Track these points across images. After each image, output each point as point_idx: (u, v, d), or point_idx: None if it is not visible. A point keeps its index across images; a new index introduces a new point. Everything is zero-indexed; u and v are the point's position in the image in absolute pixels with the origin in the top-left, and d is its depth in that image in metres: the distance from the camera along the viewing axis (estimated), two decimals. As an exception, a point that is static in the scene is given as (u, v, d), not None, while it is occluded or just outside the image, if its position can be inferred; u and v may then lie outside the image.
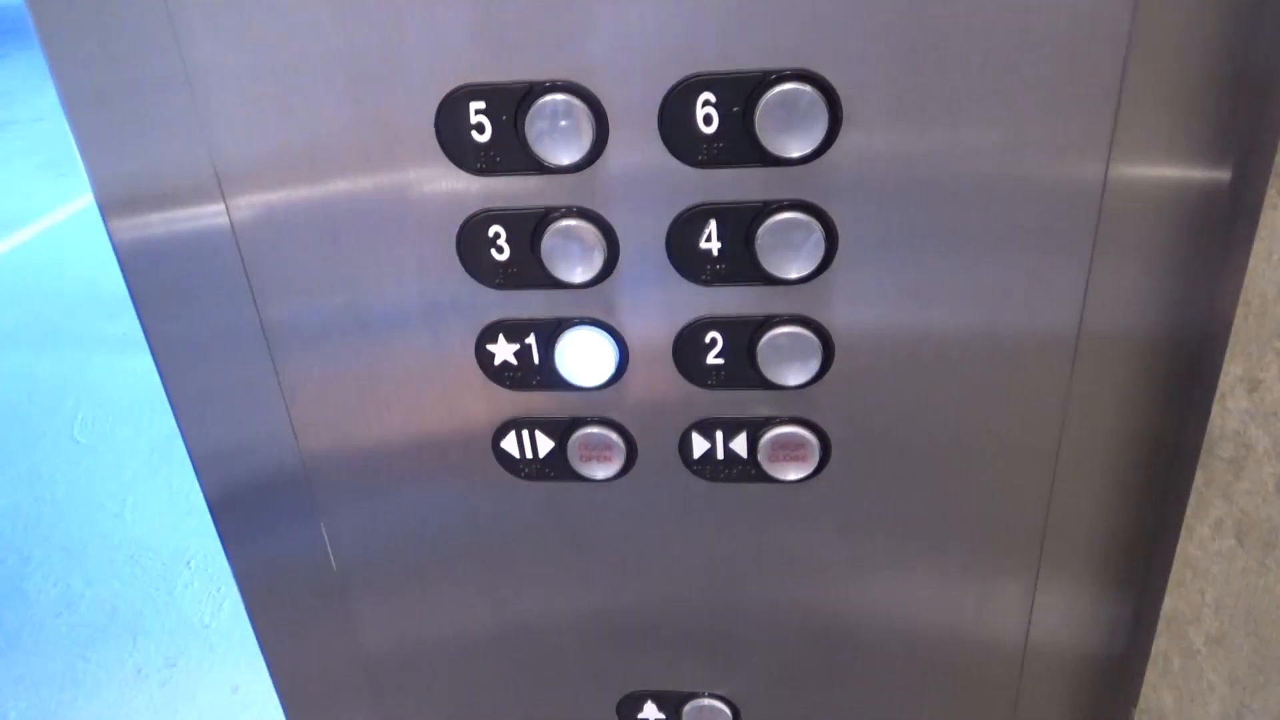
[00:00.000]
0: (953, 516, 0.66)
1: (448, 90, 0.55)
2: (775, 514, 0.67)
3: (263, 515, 0.72)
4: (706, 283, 0.59)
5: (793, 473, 0.65)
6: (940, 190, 0.55)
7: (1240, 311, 0.49)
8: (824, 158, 0.54)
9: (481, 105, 0.55)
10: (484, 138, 0.56)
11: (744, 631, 0.74)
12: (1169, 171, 0.53)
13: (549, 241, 0.58)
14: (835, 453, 0.64)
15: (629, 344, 0.62)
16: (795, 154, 0.54)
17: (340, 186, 0.59)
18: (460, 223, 0.59)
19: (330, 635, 0.78)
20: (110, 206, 0.60)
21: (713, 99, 0.53)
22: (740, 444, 0.65)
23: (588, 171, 0.56)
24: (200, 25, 0.55)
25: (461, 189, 0.58)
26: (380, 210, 0.59)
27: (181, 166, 0.59)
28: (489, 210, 0.58)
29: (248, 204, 0.60)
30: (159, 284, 0.63)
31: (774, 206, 0.56)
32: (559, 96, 0.54)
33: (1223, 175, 0.52)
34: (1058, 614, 0.69)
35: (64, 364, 3.78)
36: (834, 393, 0.62)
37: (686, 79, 0.53)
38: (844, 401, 0.62)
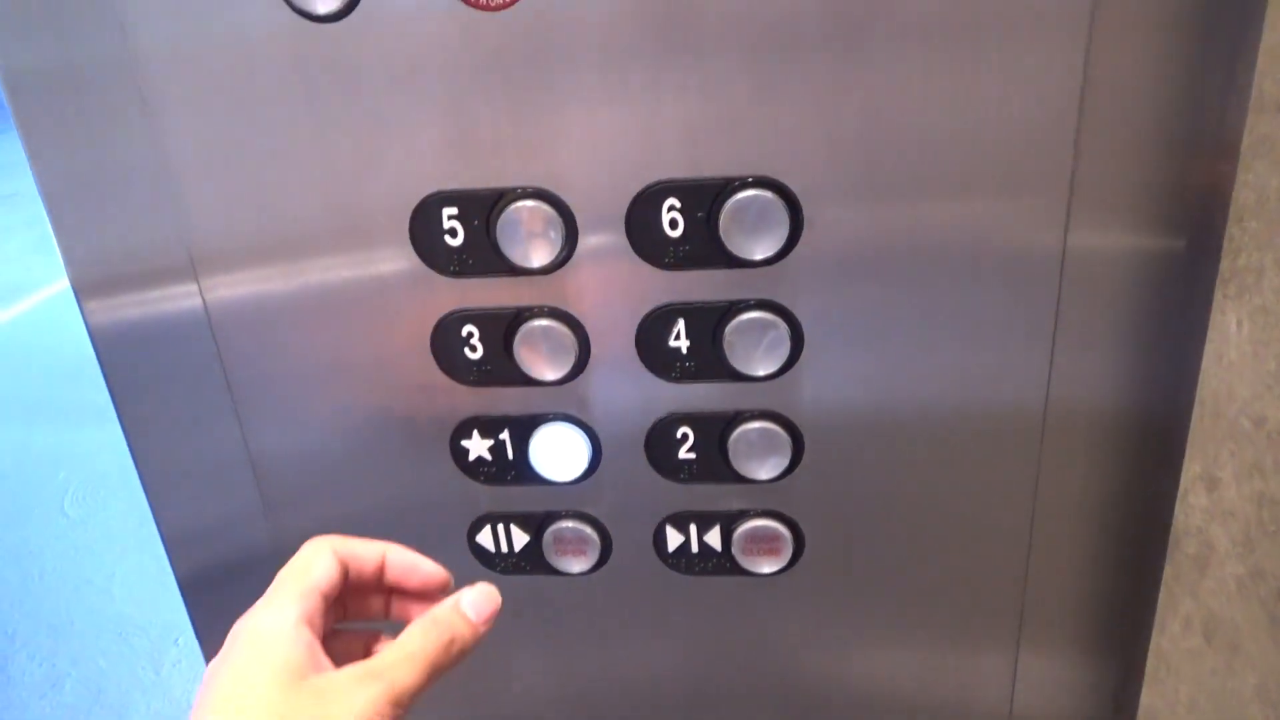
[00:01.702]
0: (929, 600, 0.66)
1: (422, 196, 0.57)
2: (751, 605, 0.67)
3: (234, 594, 0.72)
4: (676, 379, 0.60)
5: (767, 566, 0.65)
6: (902, 281, 0.56)
7: (1196, 411, 0.50)
8: (787, 259, 0.55)
9: (454, 211, 0.57)
10: (456, 241, 0.57)
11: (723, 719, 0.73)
12: (1126, 244, 0.54)
13: (521, 341, 0.59)
14: (809, 544, 0.64)
15: (602, 439, 0.63)
16: (759, 256, 0.55)
17: (316, 280, 0.60)
18: (434, 322, 0.60)
19: None
20: (84, 289, 0.61)
21: (678, 204, 0.55)
22: (714, 537, 0.65)
23: (558, 273, 0.58)
24: (176, 115, 0.56)
25: (435, 290, 0.59)
26: (355, 306, 0.60)
27: (156, 251, 0.60)
28: (462, 311, 0.60)
29: (224, 296, 0.61)
30: (133, 364, 0.64)
31: (740, 306, 0.57)
32: (529, 203, 0.55)
33: (1178, 255, 0.53)
34: (1038, 697, 0.68)
35: (56, 436, 3.77)
36: (806, 484, 0.62)
37: (652, 185, 0.55)
38: (816, 493, 0.63)
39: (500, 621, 0.71)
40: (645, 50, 0.52)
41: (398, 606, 0.52)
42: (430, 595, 0.51)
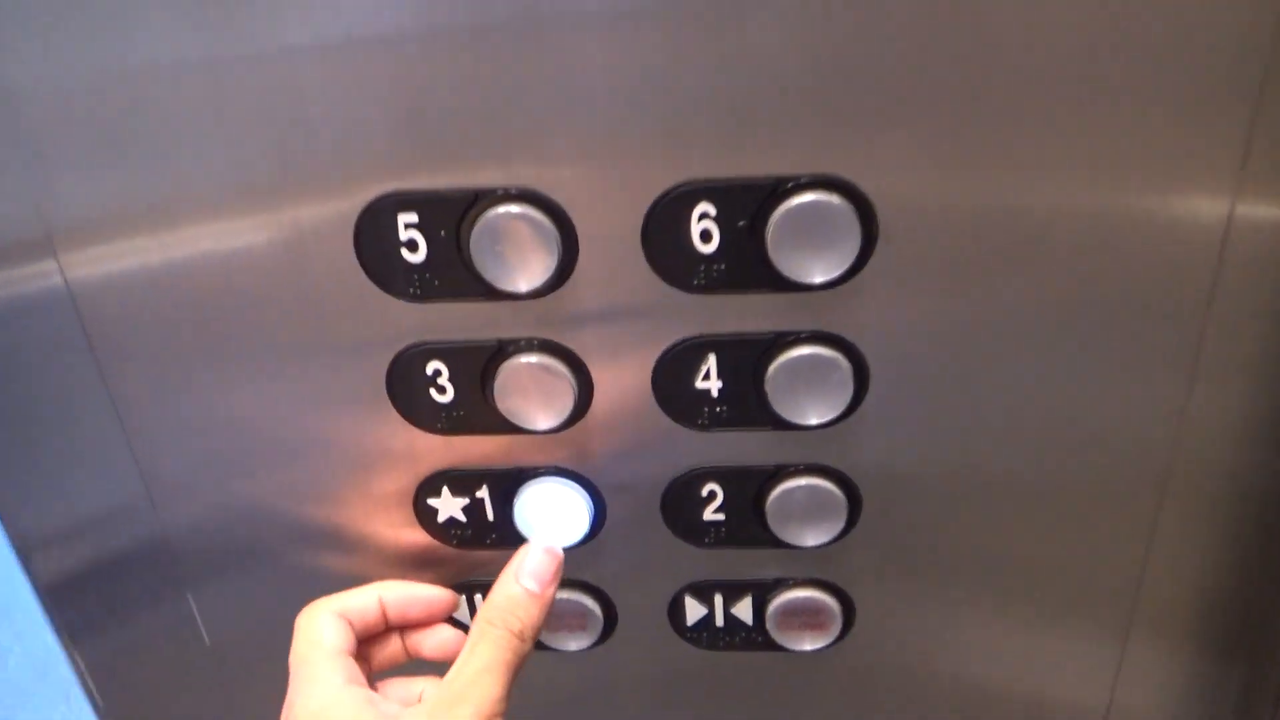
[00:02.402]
0: (1005, 686, 0.55)
1: (370, 198, 0.43)
2: (786, 685, 0.56)
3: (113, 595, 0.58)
4: (704, 427, 0.47)
5: (809, 643, 0.53)
6: (998, 307, 0.43)
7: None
8: (853, 281, 0.42)
9: (413, 218, 0.43)
10: (417, 257, 0.43)
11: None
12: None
13: (504, 382, 0.46)
14: (862, 617, 0.53)
15: (606, 498, 0.50)
16: (818, 278, 0.42)
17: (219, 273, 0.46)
18: (391, 357, 0.46)
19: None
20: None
21: (712, 211, 0.41)
22: (744, 609, 0.53)
23: (551, 298, 0.44)
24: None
25: (389, 316, 0.45)
26: (292, 341, 0.47)
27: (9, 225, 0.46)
28: (426, 344, 0.46)
29: (106, 324, 0.47)
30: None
31: (789, 339, 0.44)
32: (513, 208, 0.42)
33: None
34: (1141, 695, 0.57)
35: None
36: (860, 550, 0.51)
37: (679, 187, 0.41)
38: (872, 560, 0.51)
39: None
40: (668, 1, 0.38)
41: (411, 642, 0.49)
42: (438, 619, 0.49)
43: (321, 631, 0.45)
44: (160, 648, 0.58)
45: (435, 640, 0.49)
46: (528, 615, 0.44)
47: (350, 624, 0.46)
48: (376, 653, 0.48)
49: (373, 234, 0.43)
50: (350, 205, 0.43)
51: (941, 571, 0.51)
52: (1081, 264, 0.42)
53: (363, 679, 0.45)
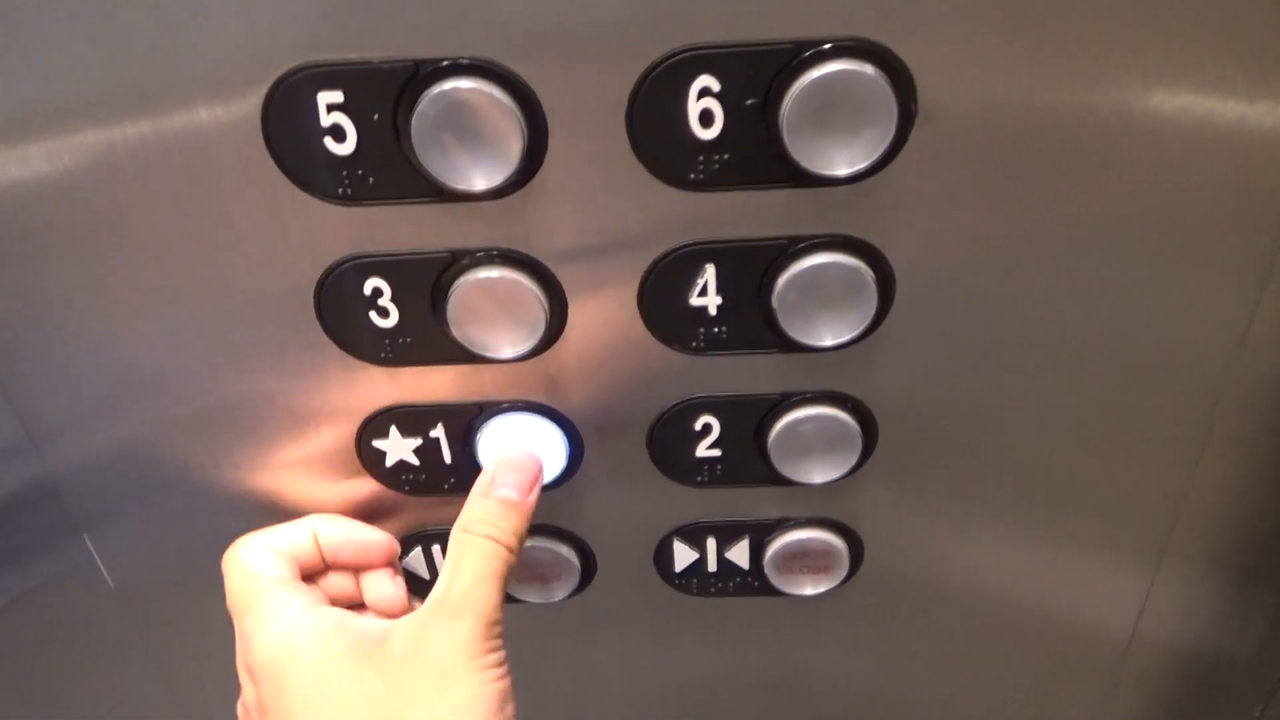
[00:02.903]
0: (1027, 619, 0.50)
1: (279, 72, 0.34)
2: (782, 632, 0.50)
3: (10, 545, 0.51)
4: (699, 351, 0.40)
5: (811, 587, 0.47)
6: (1041, 221, 0.36)
7: None
8: (885, 172, 0.35)
9: (337, 97, 0.34)
10: (345, 148, 0.35)
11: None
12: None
13: (458, 301, 0.38)
14: (869, 558, 0.47)
15: (583, 435, 0.43)
16: (842, 170, 0.34)
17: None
18: (319, 274, 0.38)
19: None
20: None
21: (714, 85, 0.33)
22: (740, 553, 0.47)
23: (514, 198, 0.36)
24: None
25: (315, 224, 0.37)
26: (195, 259, 0.38)
27: None
28: (362, 257, 0.38)
29: None
30: None
31: (802, 247, 0.37)
32: (463, 83, 0.33)
33: None
34: (1167, 621, 0.54)
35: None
36: (871, 486, 0.44)
37: (672, 55, 0.33)
38: (884, 496, 0.45)
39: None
40: None
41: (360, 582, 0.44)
42: (374, 566, 0.43)
43: (259, 563, 0.40)
44: (62, 593, 0.51)
45: (375, 590, 0.43)
46: (508, 523, 0.39)
47: (288, 559, 0.41)
48: (325, 591, 0.43)
49: (286, 120, 0.34)
50: (256, 79, 0.34)
51: (963, 504, 0.45)
52: (1150, 172, 0.35)
53: (325, 600, 0.40)
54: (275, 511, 0.46)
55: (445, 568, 0.38)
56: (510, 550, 0.39)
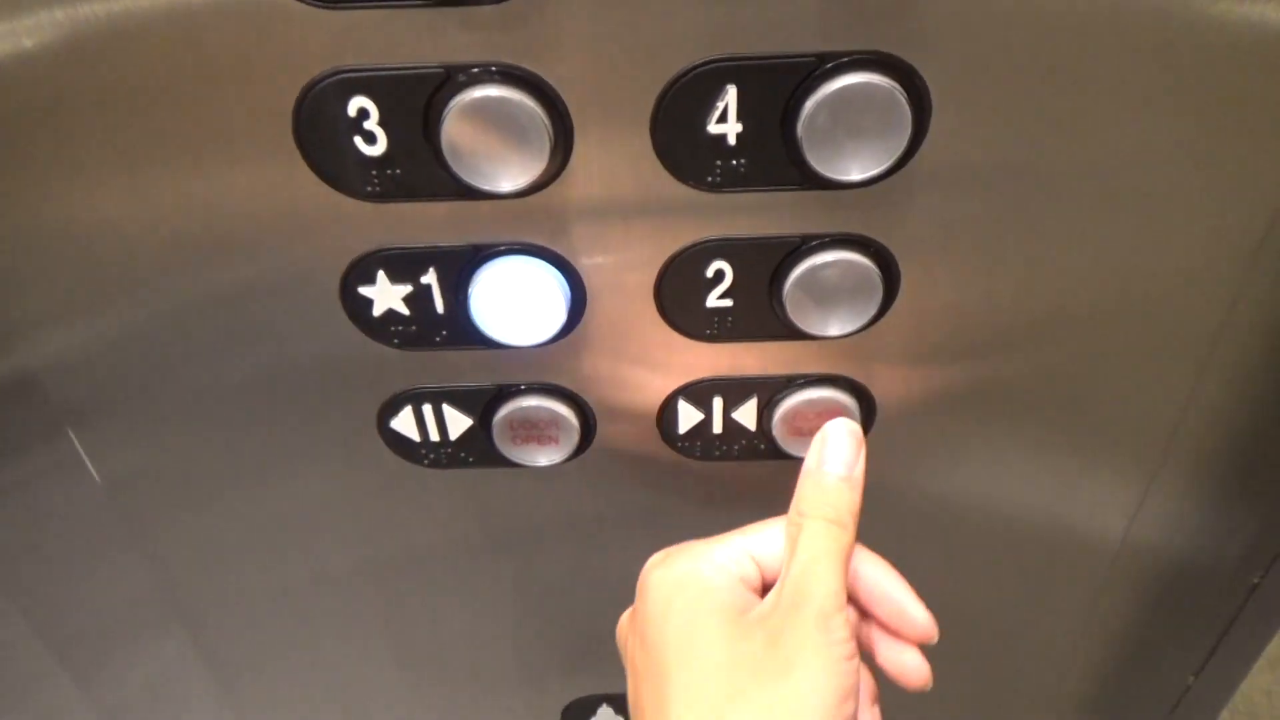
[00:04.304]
0: (1022, 510, 0.49)
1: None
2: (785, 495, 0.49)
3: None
4: (715, 187, 0.37)
5: (820, 449, 0.45)
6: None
7: None
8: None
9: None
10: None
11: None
12: None
13: (454, 121, 0.34)
14: (879, 420, 0.45)
15: (585, 279, 0.40)
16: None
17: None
18: (298, 94, 0.34)
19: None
20: None
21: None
22: (747, 414, 0.45)
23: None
24: None
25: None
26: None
27: None
28: (345, 71, 0.34)
29: None
30: None
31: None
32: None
33: None
34: (1158, 529, 0.53)
35: None
36: (885, 341, 0.42)
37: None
38: (898, 353, 0.43)
39: (433, 528, 0.52)
40: None
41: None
42: (904, 638, 0.41)
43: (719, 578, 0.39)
44: (49, 490, 0.48)
45: (896, 660, 0.41)
46: (840, 500, 0.39)
47: (761, 569, 0.40)
48: None
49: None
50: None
51: (974, 371, 0.43)
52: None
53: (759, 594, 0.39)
54: (257, 380, 0.43)
55: (784, 557, 0.39)
56: (844, 528, 0.39)
